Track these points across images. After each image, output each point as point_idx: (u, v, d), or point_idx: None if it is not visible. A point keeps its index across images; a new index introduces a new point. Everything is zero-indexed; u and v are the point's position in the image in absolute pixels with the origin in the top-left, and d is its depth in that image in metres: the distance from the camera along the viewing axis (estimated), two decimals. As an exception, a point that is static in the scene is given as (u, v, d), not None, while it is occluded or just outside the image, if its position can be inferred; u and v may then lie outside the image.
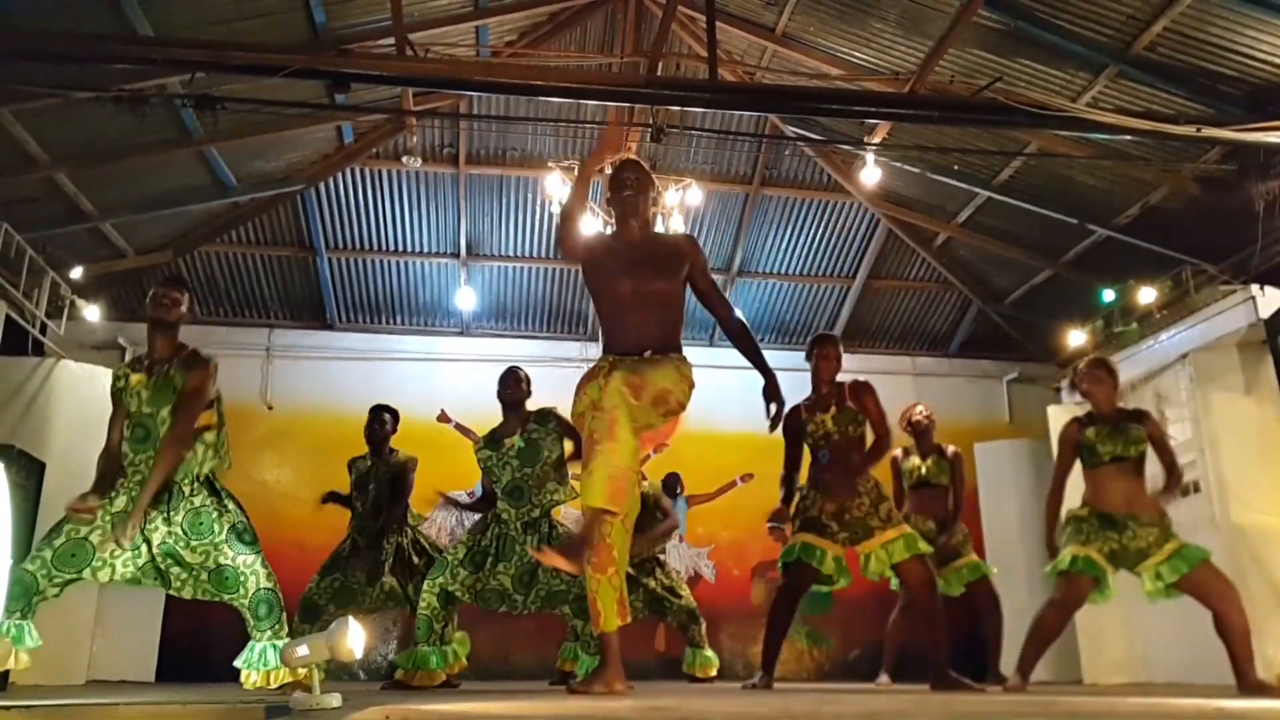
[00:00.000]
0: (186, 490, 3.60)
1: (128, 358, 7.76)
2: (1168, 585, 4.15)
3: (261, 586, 3.60)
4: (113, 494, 3.59)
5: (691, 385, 3.23)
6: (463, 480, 8.08)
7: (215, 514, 3.60)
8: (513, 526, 4.53)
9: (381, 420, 5.60)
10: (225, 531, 3.59)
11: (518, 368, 4.83)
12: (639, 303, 3.27)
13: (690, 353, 3.32)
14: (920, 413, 5.90)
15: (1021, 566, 7.71)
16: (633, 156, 3.97)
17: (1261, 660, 5.78)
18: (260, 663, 3.55)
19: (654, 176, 3.58)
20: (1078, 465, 4.43)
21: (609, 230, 4.07)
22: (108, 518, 3.54)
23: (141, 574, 3.62)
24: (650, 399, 3.09)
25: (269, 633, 3.58)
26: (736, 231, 8.52)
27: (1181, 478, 4.39)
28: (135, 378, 3.69)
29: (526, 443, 4.56)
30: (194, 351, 3.72)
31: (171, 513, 3.55)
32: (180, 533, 3.55)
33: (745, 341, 3.46)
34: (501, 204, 8.17)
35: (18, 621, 3.44)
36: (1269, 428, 6.25)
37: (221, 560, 3.56)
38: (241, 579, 3.57)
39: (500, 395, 4.73)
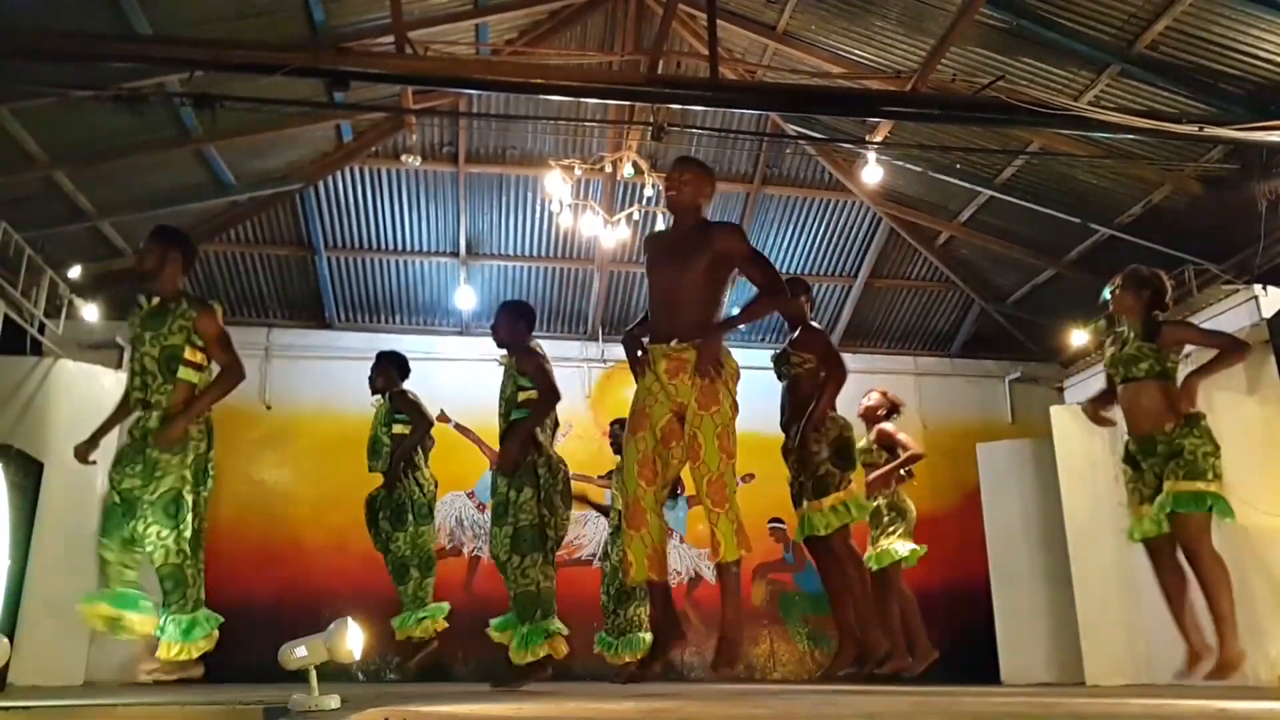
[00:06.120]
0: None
1: (125, 357, 7.73)
2: None
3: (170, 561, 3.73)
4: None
5: None
6: (463, 480, 8.09)
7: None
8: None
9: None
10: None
11: None
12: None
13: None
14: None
15: (1024, 566, 7.72)
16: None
17: (1263, 661, 5.81)
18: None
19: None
20: None
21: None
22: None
23: None
24: None
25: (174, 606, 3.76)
26: (737, 231, 8.48)
27: None
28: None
29: None
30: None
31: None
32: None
33: None
34: (501, 203, 8.14)
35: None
36: (1272, 428, 6.22)
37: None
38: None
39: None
